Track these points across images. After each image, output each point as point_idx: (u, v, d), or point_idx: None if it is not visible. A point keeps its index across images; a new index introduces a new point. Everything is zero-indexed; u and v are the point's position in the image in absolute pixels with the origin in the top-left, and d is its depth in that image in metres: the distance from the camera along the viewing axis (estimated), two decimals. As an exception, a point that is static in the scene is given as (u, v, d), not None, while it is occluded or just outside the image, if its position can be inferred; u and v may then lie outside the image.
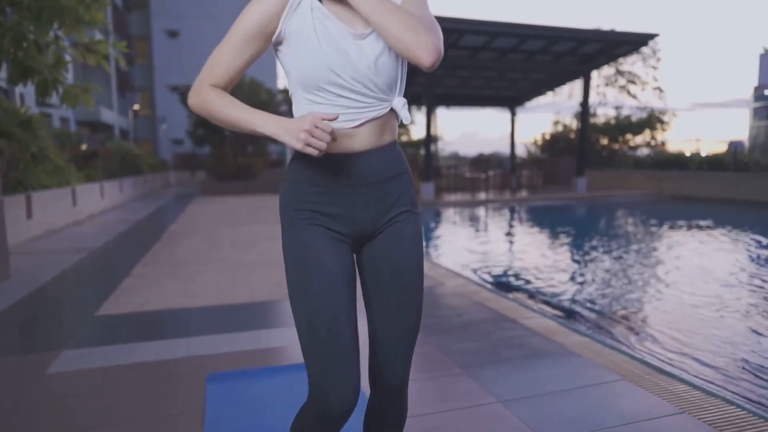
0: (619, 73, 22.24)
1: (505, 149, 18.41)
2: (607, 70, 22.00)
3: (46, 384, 2.19)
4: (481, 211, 11.45)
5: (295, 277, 1.07)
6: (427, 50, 0.97)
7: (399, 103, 1.07)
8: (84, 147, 12.14)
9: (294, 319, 1.08)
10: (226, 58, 1.05)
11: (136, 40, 29.13)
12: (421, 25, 0.98)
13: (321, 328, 1.03)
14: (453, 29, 10.73)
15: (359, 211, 1.09)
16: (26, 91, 13.57)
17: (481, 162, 16.57)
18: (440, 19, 8.83)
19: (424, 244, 1.15)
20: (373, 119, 1.06)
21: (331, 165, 1.06)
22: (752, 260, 5.85)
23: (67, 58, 4.85)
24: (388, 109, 1.07)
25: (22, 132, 6.80)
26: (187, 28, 28.96)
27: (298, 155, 1.08)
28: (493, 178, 16.48)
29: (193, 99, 1.07)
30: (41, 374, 2.28)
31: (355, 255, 1.16)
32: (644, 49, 21.10)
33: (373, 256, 1.13)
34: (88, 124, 22.21)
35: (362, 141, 1.06)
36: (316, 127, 0.94)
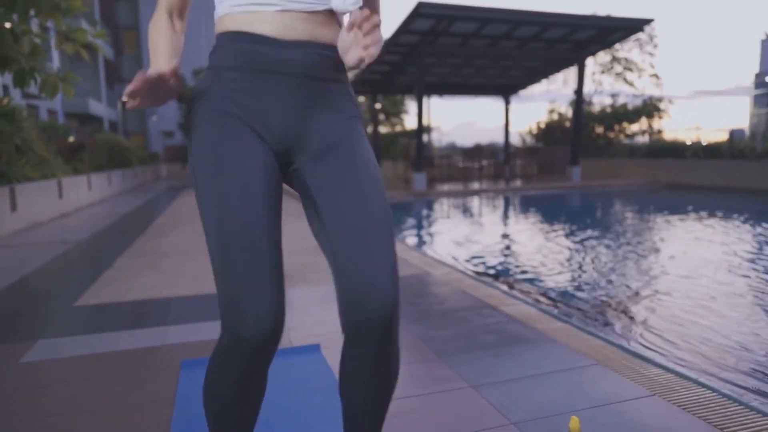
0: (615, 59, 22.18)
1: (502, 139, 18.34)
2: (603, 56, 21.93)
3: (19, 373, 2.16)
4: (473, 201, 11.44)
5: (203, 178, 0.91)
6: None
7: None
8: (71, 139, 12.02)
9: (204, 232, 0.91)
10: None
11: (124, 31, 28.78)
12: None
13: (233, 236, 0.85)
14: (443, 16, 10.62)
15: (284, 107, 0.94)
16: (10, 82, 13.40)
17: (475, 152, 16.51)
18: (429, 6, 8.73)
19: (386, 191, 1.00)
20: (301, 12, 0.93)
21: (256, 47, 0.93)
22: (737, 248, 5.87)
23: (52, 46, 4.79)
24: (326, 6, 0.94)
25: (5, 123, 6.71)
26: (177, 18, 28.58)
27: (219, 39, 0.99)
28: (487, 167, 16.44)
29: (151, 27, 1.04)
30: (14, 364, 2.26)
31: (288, 172, 1.01)
32: (641, 35, 21.03)
33: (318, 168, 0.96)
34: (76, 116, 22.00)
35: (289, 29, 0.93)
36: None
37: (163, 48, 1.01)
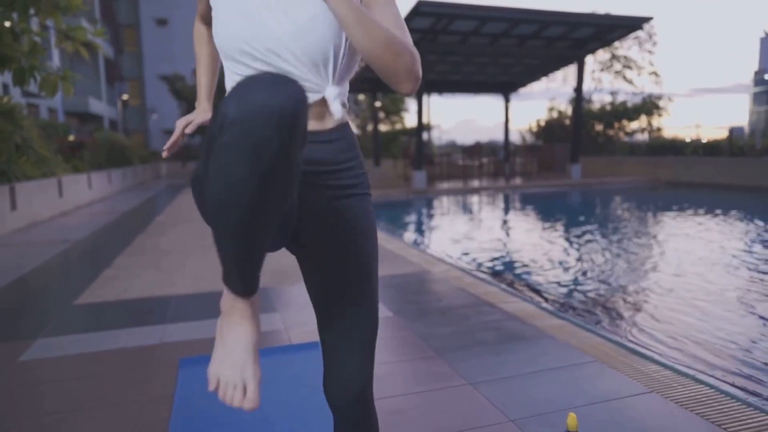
0: (615, 57, 22.18)
1: (502, 137, 18.33)
2: (603, 54, 21.93)
3: (17, 371, 2.17)
4: (473, 199, 11.44)
5: None
6: (410, 79, 0.86)
7: (332, 92, 0.89)
8: (71, 138, 12.01)
9: None
10: None
11: (124, 29, 28.76)
12: (407, 48, 0.85)
13: None
14: (442, 14, 10.61)
15: (298, 202, 0.92)
16: (10, 80, 13.39)
17: (475, 150, 16.50)
18: (429, 4, 8.67)
19: (377, 232, 1.02)
20: None
21: None
22: (734, 245, 5.86)
23: (51, 45, 4.80)
24: (319, 96, 0.89)
25: (5, 122, 6.71)
26: (176, 16, 28.62)
27: None
28: (487, 165, 16.44)
29: (193, 35, 1.20)
30: (13, 362, 2.26)
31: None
32: (640, 33, 21.02)
33: (314, 243, 0.97)
34: (76, 114, 21.99)
35: None
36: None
37: (203, 58, 1.17)
